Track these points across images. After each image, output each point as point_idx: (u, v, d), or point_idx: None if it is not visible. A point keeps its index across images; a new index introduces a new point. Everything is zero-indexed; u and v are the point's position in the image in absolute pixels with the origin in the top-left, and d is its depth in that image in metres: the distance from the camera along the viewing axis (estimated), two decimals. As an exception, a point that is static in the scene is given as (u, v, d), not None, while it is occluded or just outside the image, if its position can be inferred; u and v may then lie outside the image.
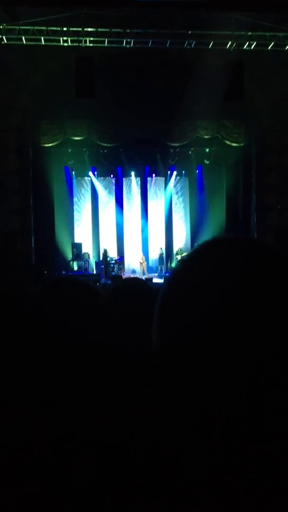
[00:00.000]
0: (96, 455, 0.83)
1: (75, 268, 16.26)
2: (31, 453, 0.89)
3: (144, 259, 16.87)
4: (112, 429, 0.87)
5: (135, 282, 2.11)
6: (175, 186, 18.02)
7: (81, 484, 0.82)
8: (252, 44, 11.97)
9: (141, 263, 16.75)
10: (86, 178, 17.43)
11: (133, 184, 17.83)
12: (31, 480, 0.86)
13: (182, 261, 0.69)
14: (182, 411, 0.61)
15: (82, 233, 17.38)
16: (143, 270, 16.58)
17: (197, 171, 17.49)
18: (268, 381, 0.57)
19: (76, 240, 16.80)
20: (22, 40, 11.57)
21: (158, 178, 17.93)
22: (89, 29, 11.50)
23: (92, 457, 0.84)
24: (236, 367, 0.58)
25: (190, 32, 11.76)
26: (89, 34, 11.59)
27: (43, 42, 11.62)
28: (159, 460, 0.67)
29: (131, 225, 17.98)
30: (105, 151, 15.74)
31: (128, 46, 11.95)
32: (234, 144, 15.18)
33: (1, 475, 0.88)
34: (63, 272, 15.19)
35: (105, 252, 16.18)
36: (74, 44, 11.66)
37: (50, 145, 14.56)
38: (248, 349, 0.58)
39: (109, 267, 16.11)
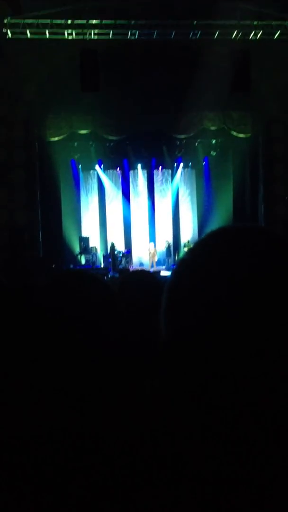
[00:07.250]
0: (103, 450, 0.83)
1: (83, 261, 16.26)
2: (34, 449, 0.88)
3: (155, 250, 16.81)
4: (118, 424, 0.87)
5: (142, 274, 2.12)
6: (181, 178, 17.94)
7: (83, 483, 0.81)
8: (258, 33, 11.85)
9: (151, 253, 16.68)
10: (92, 171, 17.36)
11: (139, 176, 17.77)
12: (30, 480, 0.85)
13: (190, 250, 0.69)
14: (190, 400, 0.61)
15: (89, 227, 17.35)
16: (152, 262, 16.53)
17: (203, 163, 17.37)
18: (275, 370, 0.57)
19: (84, 234, 16.78)
20: (27, 34, 11.52)
21: (165, 170, 17.85)
22: (94, 22, 11.43)
23: (99, 452, 0.83)
24: (244, 355, 0.58)
25: (195, 22, 11.66)
26: (93, 26, 11.53)
27: (47, 36, 11.57)
28: (164, 454, 0.67)
29: (138, 218, 17.93)
30: (111, 144, 15.67)
31: (133, 37, 11.88)
32: (240, 135, 15.07)
33: (1, 474, 0.87)
34: (71, 266, 15.20)
35: (113, 245, 16.17)
36: (79, 37, 11.60)
37: (56, 139, 14.51)
38: (256, 338, 0.57)
39: (117, 260, 16.09)
